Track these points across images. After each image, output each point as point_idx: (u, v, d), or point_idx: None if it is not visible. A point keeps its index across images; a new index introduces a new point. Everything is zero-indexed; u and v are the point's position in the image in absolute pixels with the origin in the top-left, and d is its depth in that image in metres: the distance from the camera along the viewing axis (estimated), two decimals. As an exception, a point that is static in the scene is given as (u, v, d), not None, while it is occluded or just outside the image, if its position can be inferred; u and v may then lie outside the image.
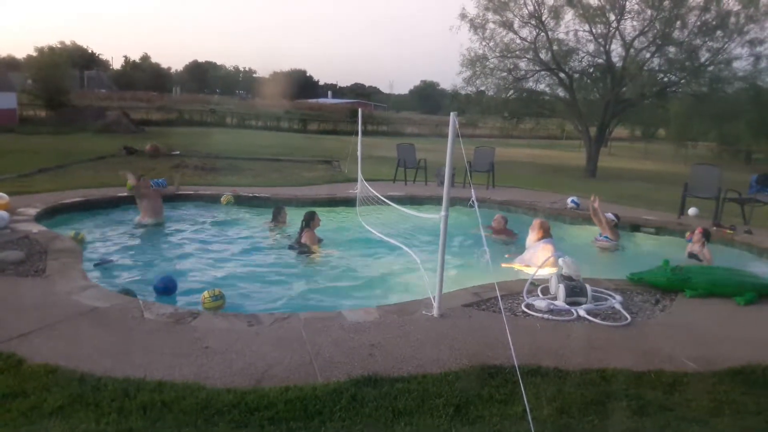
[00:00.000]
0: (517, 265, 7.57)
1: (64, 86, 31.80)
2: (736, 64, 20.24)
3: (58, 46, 56.36)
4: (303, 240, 8.00)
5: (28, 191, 10.01)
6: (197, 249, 8.05)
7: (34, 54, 35.03)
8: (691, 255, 8.05)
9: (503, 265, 7.72)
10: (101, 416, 3.10)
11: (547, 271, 6.42)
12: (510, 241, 9.18)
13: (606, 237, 8.92)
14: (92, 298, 4.95)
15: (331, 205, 11.25)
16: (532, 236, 7.96)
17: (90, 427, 3.00)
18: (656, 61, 21.35)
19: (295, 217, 9.09)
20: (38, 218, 8.06)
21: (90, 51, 72.81)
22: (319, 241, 8.20)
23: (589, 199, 9.51)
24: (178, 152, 19.05)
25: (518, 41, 21.93)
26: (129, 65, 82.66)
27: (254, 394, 3.40)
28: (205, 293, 5.47)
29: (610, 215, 9.24)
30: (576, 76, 22.71)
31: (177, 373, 3.65)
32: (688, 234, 8.93)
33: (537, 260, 7.14)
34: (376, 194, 8.30)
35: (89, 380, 3.46)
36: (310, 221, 8.21)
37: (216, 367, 3.78)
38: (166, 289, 5.80)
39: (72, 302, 4.85)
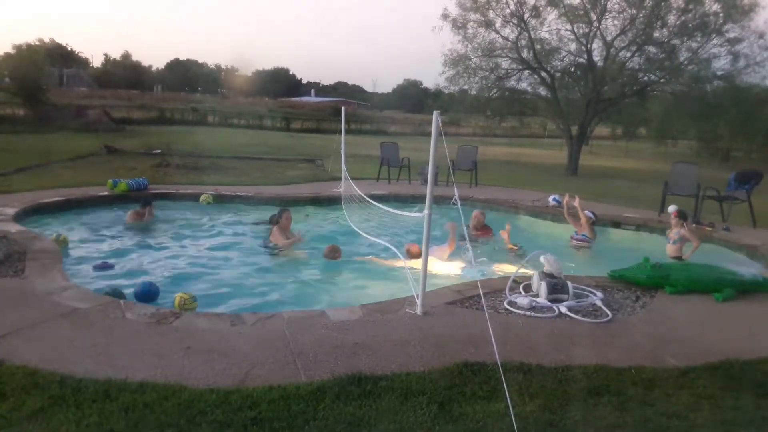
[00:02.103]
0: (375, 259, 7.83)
1: (43, 84, 31.29)
2: (714, 63, 20.54)
3: (37, 43, 55.41)
4: (271, 238, 7.94)
5: (7, 191, 9.87)
6: (179, 249, 7.99)
7: (12, 52, 34.32)
8: (675, 241, 8.09)
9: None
10: (82, 418, 3.06)
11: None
12: (486, 239, 9.14)
13: (584, 235, 8.99)
14: (72, 299, 4.88)
15: (315, 204, 11.24)
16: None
17: (71, 429, 2.96)
18: (636, 60, 21.58)
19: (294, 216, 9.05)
20: (17, 218, 7.95)
21: (69, 49, 71.84)
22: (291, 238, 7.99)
23: (565, 198, 9.56)
24: (159, 151, 18.87)
25: (500, 40, 22.06)
26: (109, 63, 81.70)
27: (237, 394, 3.39)
28: (185, 295, 5.31)
29: (588, 213, 9.30)
30: (557, 75, 22.88)
31: (159, 373, 3.62)
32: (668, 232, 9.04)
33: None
34: (360, 193, 8.30)
35: (70, 382, 3.42)
36: (278, 220, 8.09)
37: (198, 367, 3.75)
38: (149, 294, 5.66)
39: (52, 303, 4.78)
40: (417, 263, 7.36)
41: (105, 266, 6.86)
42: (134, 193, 10.29)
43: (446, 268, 7.54)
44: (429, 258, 5.06)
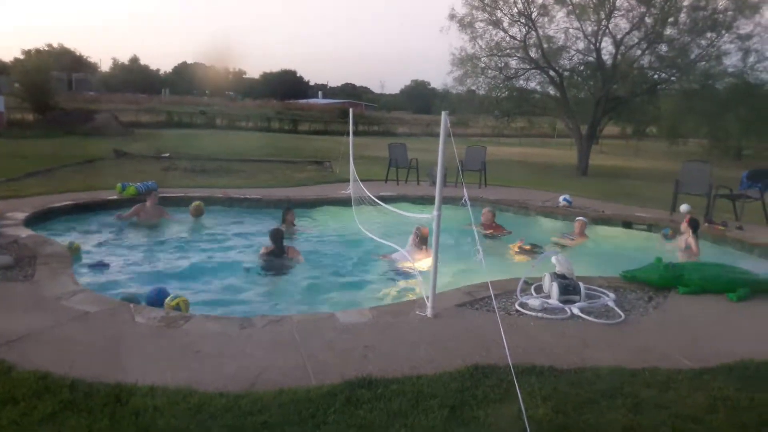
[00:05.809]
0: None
1: (52, 89, 31.50)
2: (725, 60, 20.34)
3: (46, 48, 55.91)
4: (289, 254, 7.76)
5: (17, 195, 9.92)
6: (186, 251, 7.99)
7: (21, 57, 34.64)
8: (686, 248, 8.09)
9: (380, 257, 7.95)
10: (93, 422, 3.06)
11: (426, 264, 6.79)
12: (498, 236, 9.25)
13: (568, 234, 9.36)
14: (82, 303, 4.89)
15: (322, 206, 11.22)
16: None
17: (81, 434, 2.96)
18: (647, 58, 21.41)
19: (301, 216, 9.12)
20: (27, 223, 7.98)
21: (78, 53, 72.37)
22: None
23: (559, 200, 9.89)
24: (167, 154, 18.93)
25: (508, 39, 21.96)
26: (118, 67, 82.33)
27: (247, 398, 3.37)
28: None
29: (581, 218, 9.57)
30: (566, 74, 22.74)
31: (169, 377, 3.61)
32: (670, 232, 9.10)
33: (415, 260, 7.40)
34: (369, 195, 8.27)
35: (80, 386, 3.42)
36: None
37: (208, 371, 3.74)
38: (158, 300, 5.62)
39: (62, 307, 4.79)
40: (424, 264, 7.34)
41: (100, 265, 6.91)
42: (142, 197, 10.30)
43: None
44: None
